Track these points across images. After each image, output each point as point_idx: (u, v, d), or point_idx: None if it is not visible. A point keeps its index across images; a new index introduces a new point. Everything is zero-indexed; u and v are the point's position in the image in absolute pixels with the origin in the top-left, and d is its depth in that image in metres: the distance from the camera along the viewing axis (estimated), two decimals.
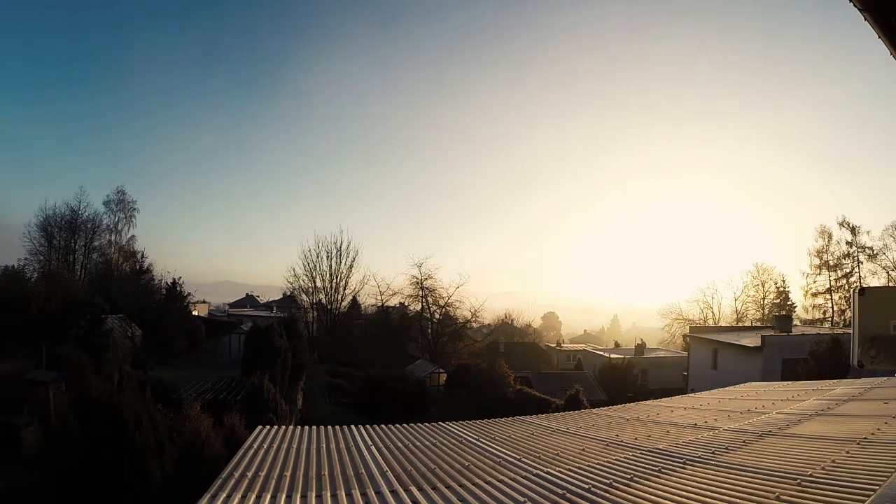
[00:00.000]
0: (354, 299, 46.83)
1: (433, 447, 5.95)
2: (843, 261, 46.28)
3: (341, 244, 45.25)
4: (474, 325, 46.30)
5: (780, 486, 3.16)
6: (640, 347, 44.35)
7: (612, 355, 40.17)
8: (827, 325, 41.47)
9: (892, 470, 3.13)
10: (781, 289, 52.09)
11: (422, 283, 44.35)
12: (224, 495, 4.00)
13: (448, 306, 44.17)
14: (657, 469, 4.14)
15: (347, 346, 40.16)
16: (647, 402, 10.24)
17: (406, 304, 46.67)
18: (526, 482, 4.24)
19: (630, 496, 3.55)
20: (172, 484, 10.68)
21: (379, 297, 45.47)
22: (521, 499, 3.75)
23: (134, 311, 31.90)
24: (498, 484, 4.26)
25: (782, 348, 23.89)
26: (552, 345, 56.32)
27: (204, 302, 52.65)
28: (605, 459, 4.76)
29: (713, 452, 4.38)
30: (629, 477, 3.95)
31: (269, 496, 4.06)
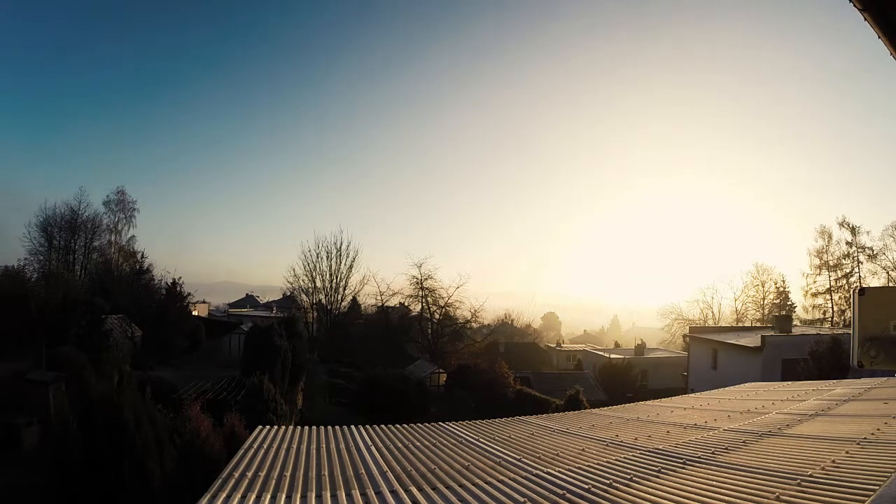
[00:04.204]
0: (354, 299, 46.87)
1: (433, 447, 5.95)
2: (843, 261, 46.29)
3: (341, 244, 45.31)
4: (474, 325, 46.29)
5: (780, 486, 3.16)
6: (640, 347, 44.33)
7: (612, 355, 40.16)
8: (827, 325, 41.45)
9: (892, 470, 3.13)
10: (781, 289, 52.13)
11: (422, 284, 44.39)
12: (224, 495, 4.00)
13: (448, 306, 44.19)
14: (657, 469, 4.14)
15: (347, 346, 40.15)
16: (647, 402, 10.24)
17: (406, 304, 46.67)
18: (526, 482, 4.24)
19: (630, 496, 3.55)
20: (172, 484, 10.68)
21: (379, 298, 45.52)
22: (521, 499, 3.75)
23: (134, 311, 31.91)
24: (498, 484, 4.25)
25: (782, 348, 23.88)
26: (552, 345, 56.31)
27: (204, 302, 52.68)
28: (605, 459, 4.76)
29: (713, 452, 4.38)
30: (629, 477, 3.95)
31: (269, 496, 4.06)
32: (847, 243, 45.84)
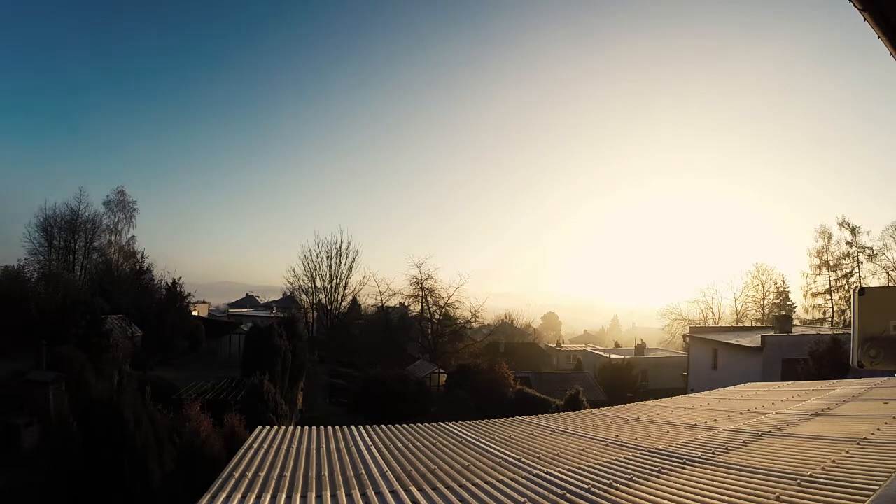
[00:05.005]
0: (354, 299, 46.88)
1: (433, 447, 5.95)
2: (843, 261, 46.29)
3: (341, 244, 45.35)
4: (474, 325, 46.27)
5: (780, 486, 3.16)
6: (640, 347, 44.34)
7: (612, 355, 40.17)
8: (827, 325, 41.43)
9: (892, 470, 3.13)
10: (781, 289, 52.12)
11: (422, 284, 44.38)
12: (224, 495, 4.00)
13: (448, 306, 44.18)
14: (657, 469, 4.14)
15: (347, 346, 40.15)
16: (647, 402, 10.24)
17: (406, 304, 46.68)
18: (526, 482, 4.24)
19: (630, 496, 3.55)
20: (172, 484, 10.69)
21: (379, 298, 45.49)
22: (521, 499, 3.75)
23: (134, 311, 31.91)
24: (498, 484, 4.25)
25: (782, 348, 23.87)
26: (552, 345, 56.33)
27: (204, 302, 52.76)
28: (605, 459, 4.76)
29: (713, 452, 4.38)
30: (629, 477, 3.95)
31: (269, 496, 4.06)
32: (847, 243, 45.90)
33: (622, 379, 34.40)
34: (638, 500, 3.46)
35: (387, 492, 4.19)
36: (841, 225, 45.94)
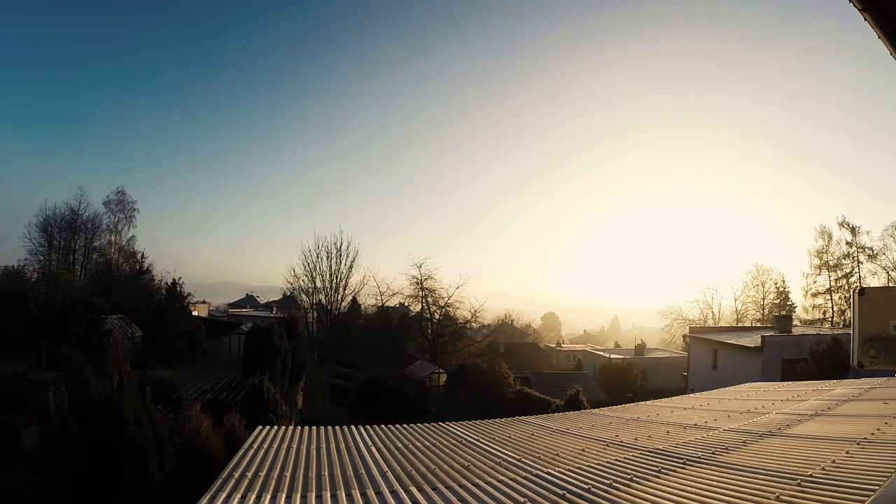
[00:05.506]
0: (354, 299, 46.88)
1: (433, 447, 5.95)
2: (843, 261, 46.28)
3: (341, 244, 45.37)
4: (474, 325, 46.27)
5: (780, 486, 3.16)
6: (640, 347, 44.35)
7: (612, 355, 40.18)
8: (827, 325, 41.41)
9: (892, 470, 3.13)
10: (781, 289, 52.13)
11: (422, 284, 44.40)
12: (224, 495, 4.00)
13: (448, 306, 44.18)
14: (657, 469, 4.14)
15: (347, 347, 40.15)
16: (647, 402, 10.24)
17: (406, 304, 46.69)
18: (526, 482, 4.24)
19: (630, 496, 3.55)
20: (172, 484, 10.69)
21: (379, 298, 45.51)
22: (521, 499, 3.75)
23: (134, 311, 31.88)
24: (498, 484, 4.25)
25: (782, 348, 23.86)
26: (552, 345, 56.36)
27: (204, 302, 52.71)
28: (605, 459, 4.76)
29: (713, 452, 4.38)
30: (629, 477, 3.95)
31: (269, 496, 4.06)
32: (847, 243, 45.89)
33: (622, 379, 34.41)
34: (638, 500, 3.46)
35: (387, 492, 4.19)
36: (841, 225, 45.98)
